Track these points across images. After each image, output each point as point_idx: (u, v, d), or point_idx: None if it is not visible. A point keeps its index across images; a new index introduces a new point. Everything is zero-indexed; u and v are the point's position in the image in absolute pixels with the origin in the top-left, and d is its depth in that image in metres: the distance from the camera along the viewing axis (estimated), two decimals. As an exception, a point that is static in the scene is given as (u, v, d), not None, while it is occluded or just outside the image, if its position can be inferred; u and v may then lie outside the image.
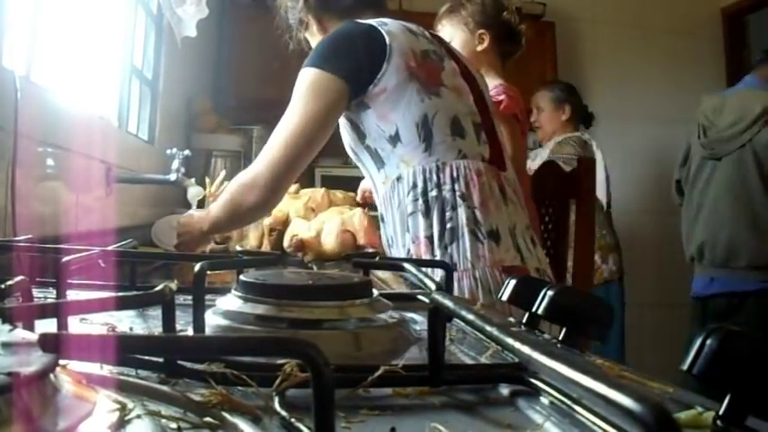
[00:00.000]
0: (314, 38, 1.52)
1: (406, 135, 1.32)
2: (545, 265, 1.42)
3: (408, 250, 1.32)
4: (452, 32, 2.08)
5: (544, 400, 0.42)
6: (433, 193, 1.30)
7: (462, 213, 1.29)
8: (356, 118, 1.36)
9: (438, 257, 1.28)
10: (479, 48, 2.08)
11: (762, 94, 2.55)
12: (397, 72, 1.31)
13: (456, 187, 1.30)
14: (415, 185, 1.31)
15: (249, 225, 1.60)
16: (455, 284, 1.26)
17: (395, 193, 1.34)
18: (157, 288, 0.46)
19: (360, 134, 1.37)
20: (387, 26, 1.35)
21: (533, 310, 0.60)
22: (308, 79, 1.32)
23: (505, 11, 2.08)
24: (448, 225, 1.29)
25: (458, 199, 1.30)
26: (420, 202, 1.31)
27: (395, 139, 1.33)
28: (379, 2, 1.50)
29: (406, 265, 0.75)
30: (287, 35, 1.56)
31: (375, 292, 0.60)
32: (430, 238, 1.30)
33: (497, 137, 1.45)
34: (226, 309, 0.55)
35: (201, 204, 2.11)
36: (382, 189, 1.38)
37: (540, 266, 1.39)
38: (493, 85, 2.07)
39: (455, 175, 1.31)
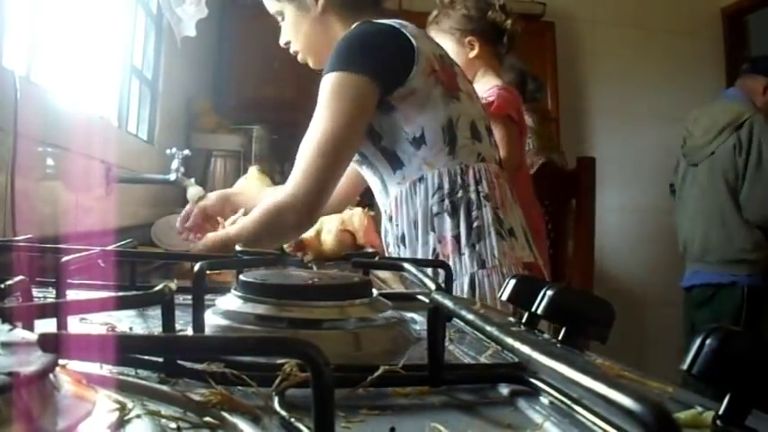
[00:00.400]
0: (304, 16, 1.42)
1: (432, 138, 1.32)
2: (542, 262, 1.47)
3: (434, 249, 1.32)
4: (443, 44, 2.04)
5: (544, 399, 0.42)
6: (459, 194, 1.32)
7: (488, 213, 1.32)
8: (373, 120, 1.33)
9: (466, 256, 1.30)
10: (471, 54, 2.07)
11: (732, 105, 2.79)
12: (424, 75, 1.31)
13: (479, 189, 1.33)
14: (440, 187, 1.32)
15: None
16: (485, 281, 1.29)
17: (416, 194, 1.34)
18: (157, 288, 0.46)
19: (374, 136, 1.35)
20: (408, 28, 1.34)
21: (533, 309, 0.60)
22: (332, 84, 1.27)
23: (490, 11, 2.06)
24: (474, 224, 1.31)
25: (482, 200, 1.33)
26: (446, 202, 1.32)
27: (419, 142, 1.32)
28: (378, 2, 1.48)
29: (406, 265, 0.75)
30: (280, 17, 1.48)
31: (375, 291, 0.60)
32: (457, 237, 1.32)
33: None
34: (225, 308, 0.55)
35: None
36: (396, 189, 1.37)
37: (542, 263, 1.44)
38: (490, 85, 2.07)
39: (478, 177, 1.34)
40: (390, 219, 1.40)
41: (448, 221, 1.32)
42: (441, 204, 1.32)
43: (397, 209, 1.38)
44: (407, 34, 1.32)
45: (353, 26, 1.34)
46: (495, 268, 1.30)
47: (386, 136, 1.34)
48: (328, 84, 1.28)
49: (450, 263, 1.27)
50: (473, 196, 1.32)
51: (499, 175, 1.37)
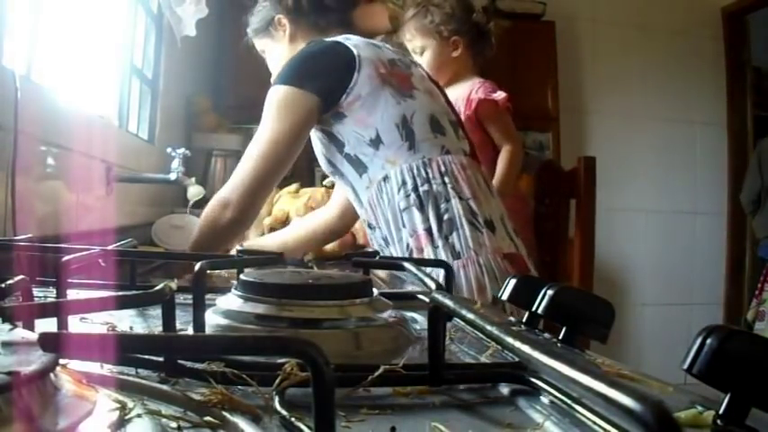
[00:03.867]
0: (277, 44, 1.54)
1: (388, 136, 1.33)
2: (527, 254, 1.46)
3: (407, 245, 1.32)
4: (424, 43, 2.10)
5: (544, 399, 0.42)
6: (424, 187, 1.32)
7: (457, 205, 1.31)
8: (332, 128, 1.37)
9: (440, 248, 1.29)
10: (455, 54, 2.11)
11: None
12: (368, 79, 1.33)
13: (446, 180, 1.33)
14: (404, 182, 1.33)
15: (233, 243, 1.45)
16: (461, 272, 1.28)
17: (383, 194, 1.35)
18: (157, 287, 0.46)
19: (337, 144, 1.37)
20: (351, 40, 1.38)
21: (533, 309, 0.61)
22: (278, 96, 1.34)
23: (474, 12, 2.09)
24: (445, 216, 1.31)
25: (450, 191, 1.32)
26: (413, 197, 1.32)
27: (376, 142, 1.33)
28: (350, 23, 1.51)
29: (406, 265, 0.75)
30: (246, 38, 1.60)
31: (375, 291, 0.60)
32: (429, 231, 1.31)
33: (468, 134, 1.49)
34: (226, 308, 0.55)
35: (200, 204, 2.11)
36: (366, 194, 1.38)
37: (526, 254, 1.43)
38: (478, 81, 2.10)
39: (443, 169, 1.33)
40: (370, 225, 1.41)
41: (417, 215, 1.32)
42: (407, 199, 1.32)
43: (373, 213, 1.38)
44: (349, 45, 1.36)
45: (306, 40, 1.45)
46: (471, 259, 1.29)
47: (347, 142, 1.36)
48: (273, 96, 1.35)
49: (426, 256, 1.28)
50: (440, 189, 1.32)
51: (467, 167, 1.36)
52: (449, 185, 1.32)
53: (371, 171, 1.36)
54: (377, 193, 1.36)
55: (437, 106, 1.41)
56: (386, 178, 1.34)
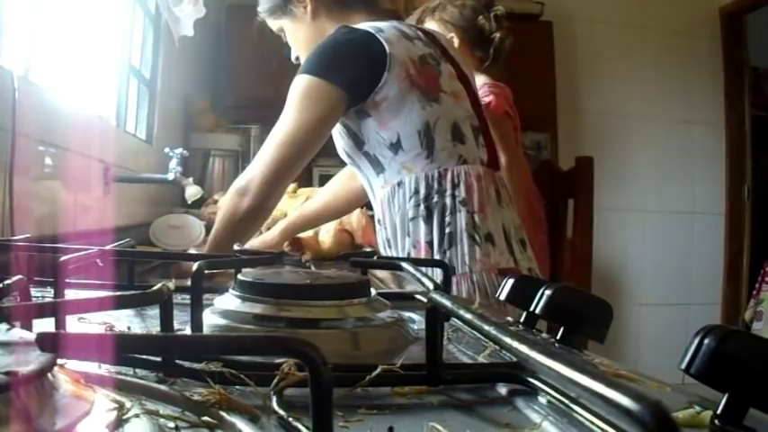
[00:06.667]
0: (298, 23, 1.48)
1: (408, 143, 1.32)
2: (535, 264, 1.45)
3: (408, 253, 1.33)
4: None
5: (542, 399, 0.42)
6: (435, 198, 1.32)
7: (462, 218, 1.31)
8: (354, 125, 1.35)
9: None
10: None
11: None
12: (398, 81, 1.30)
13: (456, 193, 1.32)
14: (417, 191, 1.32)
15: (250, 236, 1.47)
16: (453, 288, 1.27)
17: (395, 198, 1.35)
18: (155, 287, 0.46)
19: (357, 141, 1.36)
20: (384, 33, 1.33)
21: (531, 309, 0.61)
22: (304, 86, 1.31)
23: (481, 16, 2.05)
24: (447, 230, 1.31)
25: (458, 204, 1.32)
26: (422, 207, 1.32)
27: (396, 147, 1.33)
28: (373, 2, 1.48)
29: (405, 265, 0.75)
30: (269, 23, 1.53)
31: (373, 291, 0.60)
32: (430, 243, 1.31)
33: (491, 137, 1.47)
34: (224, 308, 0.55)
35: (198, 204, 2.11)
36: (381, 192, 1.38)
37: (531, 266, 1.41)
38: (479, 84, 2.06)
39: (456, 181, 1.32)
40: (378, 221, 1.41)
41: (422, 227, 1.31)
42: (416, 209, 1.32)
43: (383, 212, 1.38)
44: (381, 40, 1.32)
45: (334, 31, 1.37)
46: (465, 275, 1.29)
47: (366, 141, 1.35)
48: (300, 85, 1.32)
49: (423, 269, 1.27)
50: (448, 201, 1.31)
51: (482, 177, 1.34)
52: (458, 198, 1.31)
53: (388, 173, 1.35)
54: (389, 196, 1.36)
55: (461, 111, 1.38)
56: (400, 183, 1.34)
